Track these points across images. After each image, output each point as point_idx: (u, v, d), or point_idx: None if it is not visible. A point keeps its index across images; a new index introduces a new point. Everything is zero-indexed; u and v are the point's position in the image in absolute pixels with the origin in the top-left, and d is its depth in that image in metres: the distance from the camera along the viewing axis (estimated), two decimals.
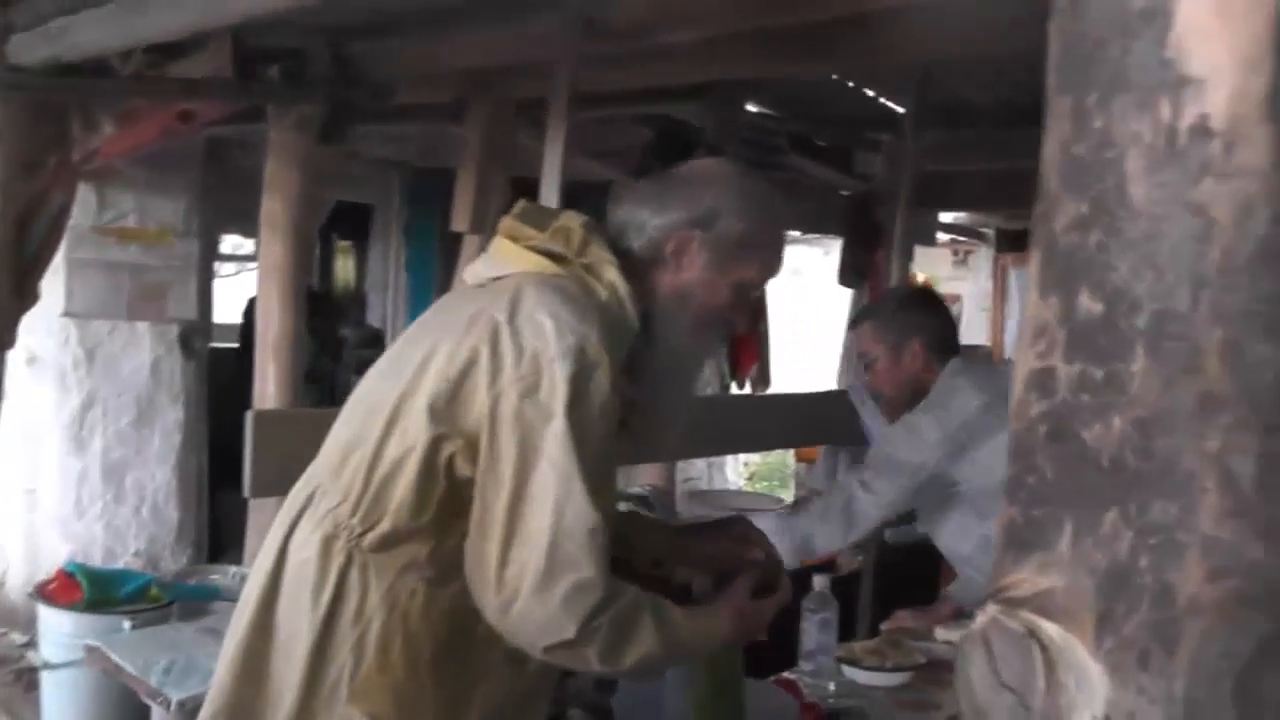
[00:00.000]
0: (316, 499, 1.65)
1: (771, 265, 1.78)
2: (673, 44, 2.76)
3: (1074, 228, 0.74)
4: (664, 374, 1.75)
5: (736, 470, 7.82)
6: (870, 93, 4.76)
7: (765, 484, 7.37)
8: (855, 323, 3.21)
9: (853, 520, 2.82)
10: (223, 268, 6.66)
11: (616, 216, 1.74)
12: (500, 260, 1.70)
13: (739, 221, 1.71)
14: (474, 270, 1.75)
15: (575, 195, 2.91)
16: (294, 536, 1.65)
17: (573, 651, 1.51)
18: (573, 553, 1.47)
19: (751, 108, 4.68)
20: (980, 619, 0.76)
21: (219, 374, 5.25)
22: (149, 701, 2.25)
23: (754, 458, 8.51)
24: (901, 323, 2.93)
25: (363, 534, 1.58)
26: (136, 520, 5.03)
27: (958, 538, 2.90)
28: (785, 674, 2.50)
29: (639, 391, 1.69)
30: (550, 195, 2.66)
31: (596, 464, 1.51)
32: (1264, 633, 0.68)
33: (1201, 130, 0.69)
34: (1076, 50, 0.74)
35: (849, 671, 2.52)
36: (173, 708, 2.18)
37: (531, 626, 1.49)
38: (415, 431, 1.55)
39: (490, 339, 1.53)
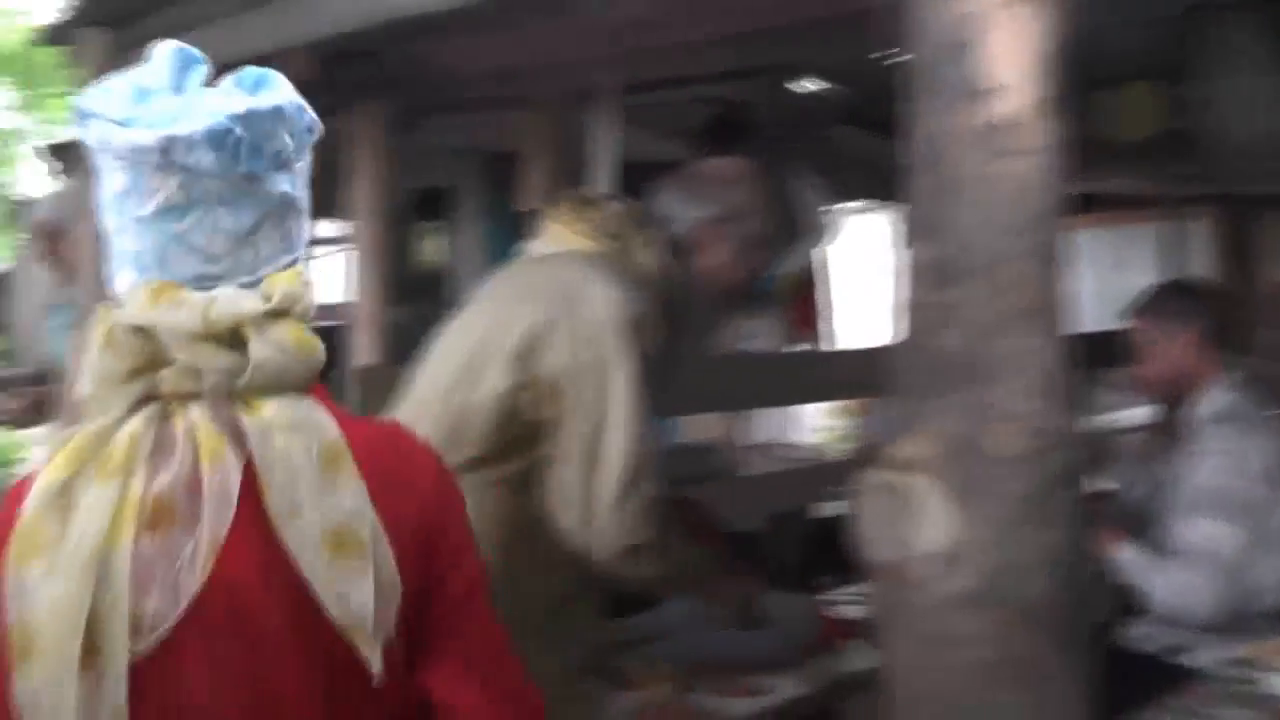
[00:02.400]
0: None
1: (780, 255, 2.14)
2: (715, 36, 3.01)
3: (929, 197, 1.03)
4: (687, 338, 2.12)
5: (808, 436, 8.05)
6: None
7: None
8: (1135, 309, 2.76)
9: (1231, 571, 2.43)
10: (314, 250, 7.04)
11: (656, 204, 2.08)
12: (555, 240, 2.06)
13: (757, 220, 2.07)
14: (532, 248, 2.12)
15: (637, 175, 3.18)
16: None
17: (639, 556, 1.86)
18: (644, 474, 1.84)
19: (806, 84, 4.88)
20: (868, 478, 1.05)
21: None
22: None
23: (829, 422, 8.75)
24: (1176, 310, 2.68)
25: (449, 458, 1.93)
26: None
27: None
28: None
29: (667, 350, 2.05)
30: (601, 177, 2.95)
31: (646, 405, 1.87)
32: (1050, 470, 0.98)
33: (1005, 124, 0.98)
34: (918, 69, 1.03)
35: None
36: None
37: (611, 534, 1.84)
38: (491, 381, 1.89)
39: (556, 307, 1.88)
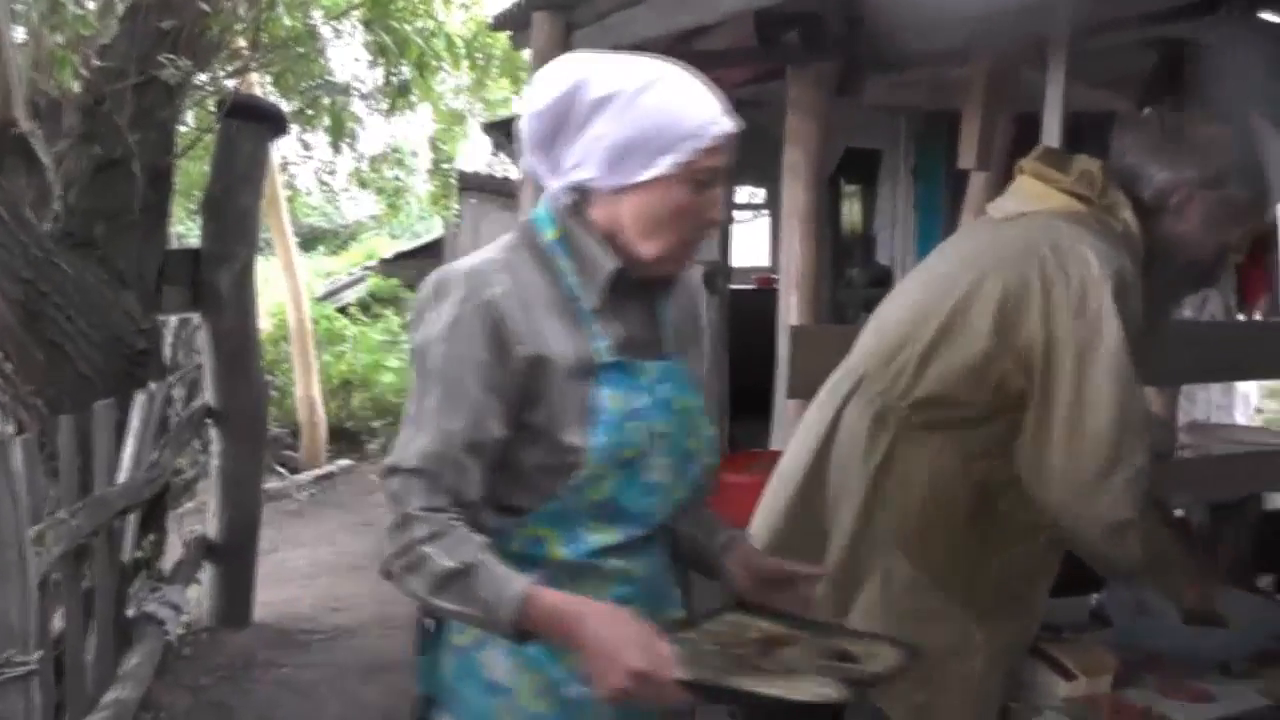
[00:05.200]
0: (865, 384, 1.99)
1: (1251, 230, 1.95)
2: None
3: None
4: (1159, 307, 1.97)
5: (1247, 415, 7.35)
6: None
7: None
8: None
9: None
10: (737, 215, 7.21)
11: (1125, 161, 1.93)
12: (1028, 198, 1.96)
13: (1242, 189, 1.88)
14: (1000, 205, 2.02)
15: (1077, 128, 2.99)
16: (845, 412, 2.00)
17: (1124, 534, 1.75)
18: (1133, 444, 1.73)
19: (1269, 16, 4.37)
20: None
21: (737, 314, 5.72)
22: None
23: (1268, 403, 7.95)
24: None
25: (909, 415, 1.90)
26: None
27: None
28: None
29: (1145, 318, 1.90)
30: (1052, 130, 2.79)
31: (1133, 372, 1.75)
32: None
33: None
34: None
35: None
36: None
37: (1095, 511, 1.75)
38: (969, 344, 1.84)
39: (1039, 268, 1.80)
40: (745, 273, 6.26)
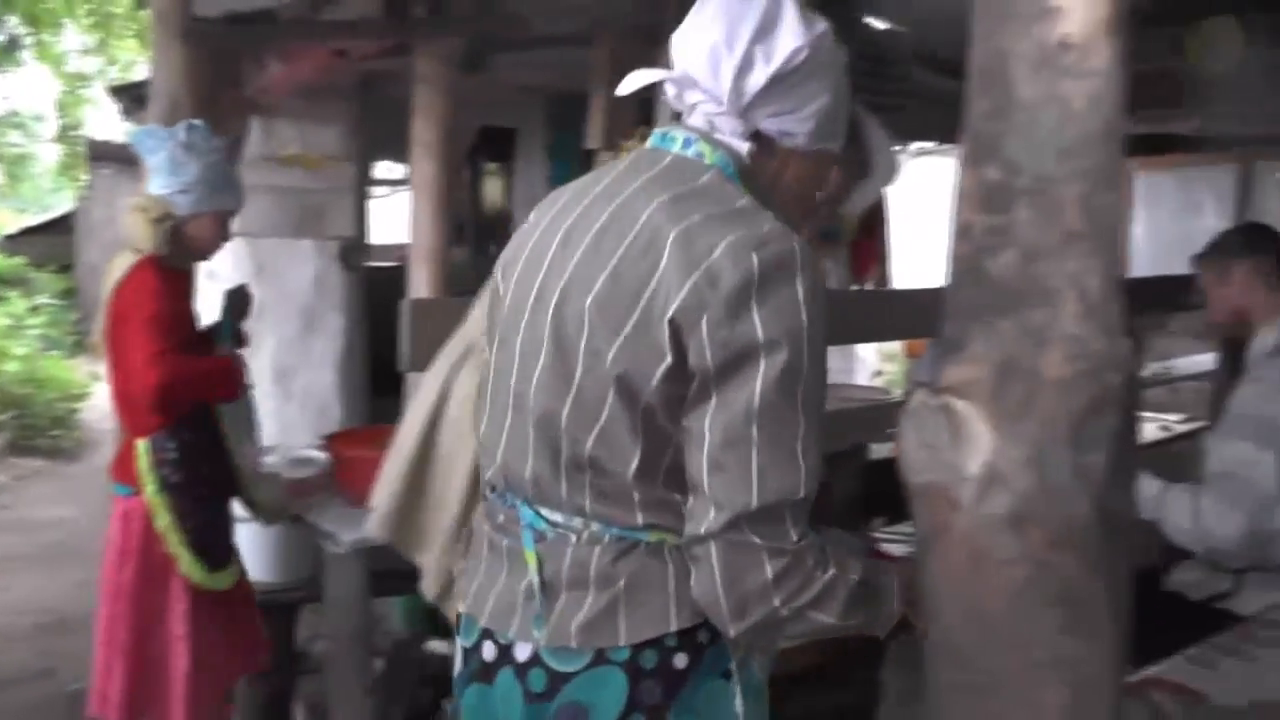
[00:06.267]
0: (474, 351, 2.04)
1: (851, 195, 2.30)
2: None
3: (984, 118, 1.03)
4: None
5: (866, 378, 8.07)
6: None
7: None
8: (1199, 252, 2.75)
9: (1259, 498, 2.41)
10: (376, 190, 7.11)
11: None
12: None
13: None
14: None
15: None
16: (456, 379, 2.05)
17: None
18: None
19: (873, 21, 4.79)
20: (913, 400, 1.06)
21: (375, 291, 5.63)
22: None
23: (886, 366, 8.77)
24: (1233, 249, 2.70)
25: None
26: (303, 418, 5.36)
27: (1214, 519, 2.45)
28: None
29: None
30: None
31: None
32: (1093, 393, 0.97)
33: (1063, 45, 0.97)
34: None
35: None
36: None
37: None
38: None
39: None
40: (385, 250, 6.16)
